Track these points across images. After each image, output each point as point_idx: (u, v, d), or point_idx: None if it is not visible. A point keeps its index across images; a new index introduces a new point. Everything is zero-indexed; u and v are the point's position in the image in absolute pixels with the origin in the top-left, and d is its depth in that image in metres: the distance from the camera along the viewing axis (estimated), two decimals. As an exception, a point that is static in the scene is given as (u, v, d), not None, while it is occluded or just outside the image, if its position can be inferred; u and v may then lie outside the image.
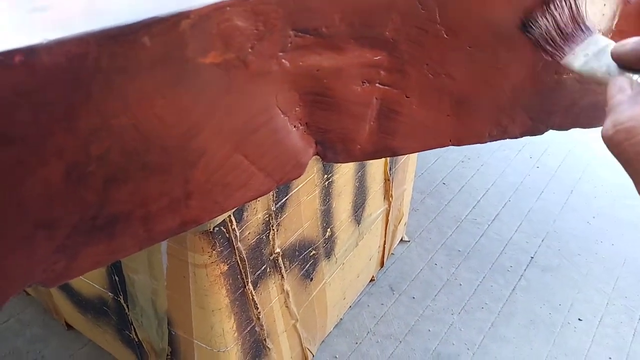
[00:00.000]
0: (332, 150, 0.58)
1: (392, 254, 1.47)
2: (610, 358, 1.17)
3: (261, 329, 0.88)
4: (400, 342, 1.21)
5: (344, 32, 0.51)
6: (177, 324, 0.84)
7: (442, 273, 1.41)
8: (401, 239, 1.52)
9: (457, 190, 1.74)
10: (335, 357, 1.17)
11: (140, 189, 0.44)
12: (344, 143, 0.58)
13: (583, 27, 0.43)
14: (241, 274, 0.78)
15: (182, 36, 0.40)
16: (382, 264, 1.39)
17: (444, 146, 0.64)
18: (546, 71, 0.60)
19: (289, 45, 0.48)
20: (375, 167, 1.15)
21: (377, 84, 0.56)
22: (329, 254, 1.05)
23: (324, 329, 1.16)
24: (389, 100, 0.57)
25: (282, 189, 0.82)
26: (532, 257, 1.46)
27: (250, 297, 0.82)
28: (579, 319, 1.26)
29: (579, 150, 1.92)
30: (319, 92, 0.53)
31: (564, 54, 0.42)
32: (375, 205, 1.21)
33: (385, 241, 1.35)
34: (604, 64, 0.41)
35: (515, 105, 0.62)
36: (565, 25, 0.41)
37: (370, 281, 1.36)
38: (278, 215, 0.82)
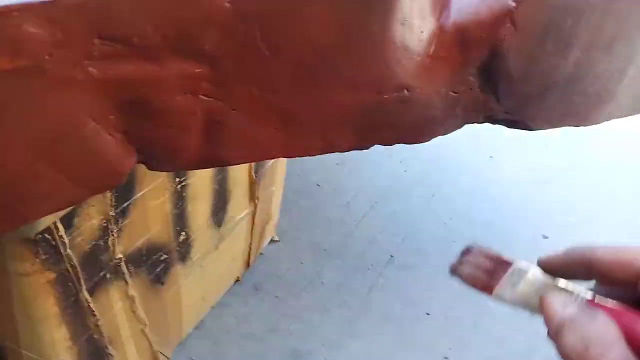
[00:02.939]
0: (155, 159, 0.58)
1: (261, 253, 1.48)
2: (450, 348, 1.28)
3: (101, 336, 0.85)
4: (260, 341, 1.22)
5: (160, 44, 0.50)
6: (2, 335, 0.79)
7: (308, 272, 1.45)
8: (272, 239, 1.54)
9: (330, 191, 1.80)
10: (192, 358, 1.16)
11: None
12: (168, 152, 0.58)
13: (502, 260, 0.44)
14: (73, 282, 0.75)
15: (-46, 41, 0.37)
16: (248, 265, 1.40)
17: (275, 158, 0.66)
18: (368, 91, 0.64)
19: (95, 53, 0.47)
20: (238, 171, 1.14)
21: (200, 96, 0.56)
22: (184, 257, 1.04)
23: (179, 331, 1.14)
24: (215, 112, 0.57)
25: (123, 193, 0.79)
26: (391, 256, 1.55)
27: (86, 305, 0.78)
28: (427, 314, 1.36)
29: (443, 155, 2.06)
30: (136, 101, 0.52)
31: (492, 288, 0.43)
32: (238, 207, 1.21)
33: (251, 242, 1.36)
34: (531, 287, 0.42)
35: (341, 121, 0.65)
36: (484, 265, 0.44)
37: (235, 281, 1.36)
38: (119, 221, 0.80)
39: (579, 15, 0.69)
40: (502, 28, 0.66)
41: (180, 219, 0.98)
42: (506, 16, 0.65)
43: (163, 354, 1.08)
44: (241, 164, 0.71)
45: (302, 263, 1.48)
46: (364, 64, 0.61)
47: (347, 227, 1.65)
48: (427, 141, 0.74)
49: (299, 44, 0.57)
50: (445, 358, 1.27)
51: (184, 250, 1.03)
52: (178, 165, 0.60)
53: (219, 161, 0.62)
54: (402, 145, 1.71)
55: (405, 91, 0.65)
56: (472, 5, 0.66)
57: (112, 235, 0.80)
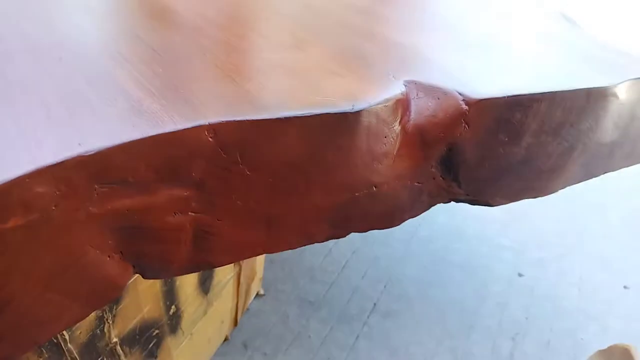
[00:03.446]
0: (150, 271, 0.63)
1: (248, 309, 1.53)
2: (435, 397, 1.34)
3: (99, 419, 0.89)
4: (251, 401, 1.27)
5: (152, 178, 0.56)
6: None
7: (294, 326, 1.50)
8: (257, 293, 1.58)
9: (313, 238, 1.86)
10: None
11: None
12: (162, 263, 0.64)
13: None
14: (73, 373, 0.79)
15: (-25, 217, 0.43)
16: (235, 323, 1.45)
17: (259, 255, 0.72)
18: (340, 192, 0.70)
19: (95, 195, 0.53)
20: (223, 237, 1.20)
21: (189, 213, 0.62)
22: (174, 329, 1.09)
23: (173, 399, 1.18)
24: (202, 224, 0.64)
25: (117, 284, 0.84)
26: (375, 304, 1.60)
27: (85, 393, 0.83)
28: (412, 362, 1.42)
29: (421, 196, 2.14)
30: (132, 226, 0.58)
31: None
32: (224, 271, 1.26)
33: (238, 301, 1.41)
34: None
35: (317, 218, 0.72)
36: None
37: (224, 341, 1.41)
38: (113, 308, 0.85)
39: (527, 109, 0.77)
40: (458, 127, 0.73)
41: (169, 294, 1.03)
42: (460, 117, 0.73)
43: (158, 423, 1.12)
44: (228, 264, 0.76)
45: (288, 317, 1.53)
46: (334, 171, 0.68)
47: (331, 276, 1.71)
48: (397, 225, 0.80)
49: (276, 162, 0.63)
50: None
51: (174, 322, 1.08)
52: (171, 274, 0.65)
53: (208, 265, 0.68)
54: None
55: (374, 188, 0.72)
56: (429, 108, 0.73)
57: (108, 322, 0.84)
